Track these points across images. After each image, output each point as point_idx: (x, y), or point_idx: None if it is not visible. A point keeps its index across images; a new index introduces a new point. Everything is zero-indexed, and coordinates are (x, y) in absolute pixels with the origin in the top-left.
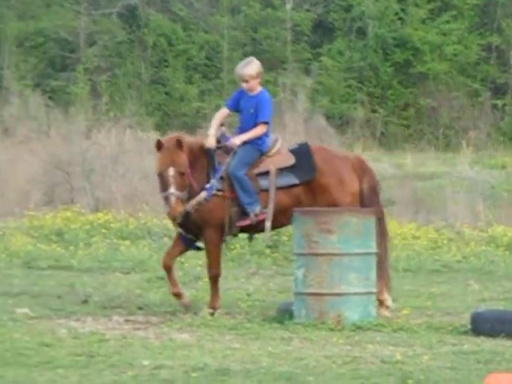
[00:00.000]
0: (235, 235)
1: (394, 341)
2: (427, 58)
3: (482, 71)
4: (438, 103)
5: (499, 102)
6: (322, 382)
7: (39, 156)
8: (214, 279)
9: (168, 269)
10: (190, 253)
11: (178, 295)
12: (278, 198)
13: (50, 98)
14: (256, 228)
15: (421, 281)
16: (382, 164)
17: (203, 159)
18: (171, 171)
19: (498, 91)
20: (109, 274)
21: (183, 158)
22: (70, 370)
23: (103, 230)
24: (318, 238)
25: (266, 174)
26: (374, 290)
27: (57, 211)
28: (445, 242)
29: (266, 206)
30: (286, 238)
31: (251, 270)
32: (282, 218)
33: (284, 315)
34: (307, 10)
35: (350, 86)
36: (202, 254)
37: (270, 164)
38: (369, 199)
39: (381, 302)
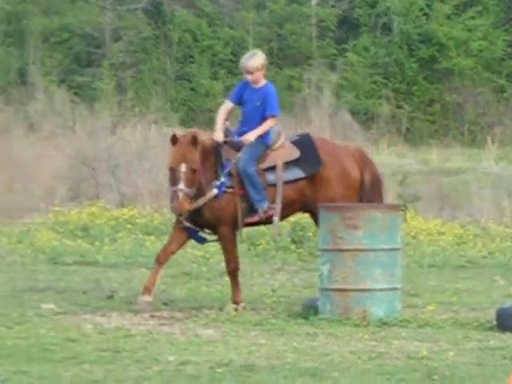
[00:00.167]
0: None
1: (420, 336)
2: (452, 54)
3: (507, 67)
4: (463, 99)
5: None
6: (348, 378)
7: (65, 152)
8: (233, 274)
9: (160, 264)
10: (215, 248)
11: (147, 290)
12: (284, 192)
13: (75, 93)
14: (262, 223)
15: (446, 276)
16: (407, 160)
17: (212, 156)
18: (183, 167)
19: None
20: (134, 269)
21: (196, 155)
22: (96, 365)
23: (128, 226)
24: (344, 233)
25: (273, 168)
26: (399, 286)
27: (82, 207)
28: (470, 237)
29: (272, 201)
30: (311, 234)
31: (276, 265)
32: (286, 212)
33: (309, 311)
34: (332, 6)
35: (375, 82)
36: None
37: (276, 158)
38: (371, 191)
39: None
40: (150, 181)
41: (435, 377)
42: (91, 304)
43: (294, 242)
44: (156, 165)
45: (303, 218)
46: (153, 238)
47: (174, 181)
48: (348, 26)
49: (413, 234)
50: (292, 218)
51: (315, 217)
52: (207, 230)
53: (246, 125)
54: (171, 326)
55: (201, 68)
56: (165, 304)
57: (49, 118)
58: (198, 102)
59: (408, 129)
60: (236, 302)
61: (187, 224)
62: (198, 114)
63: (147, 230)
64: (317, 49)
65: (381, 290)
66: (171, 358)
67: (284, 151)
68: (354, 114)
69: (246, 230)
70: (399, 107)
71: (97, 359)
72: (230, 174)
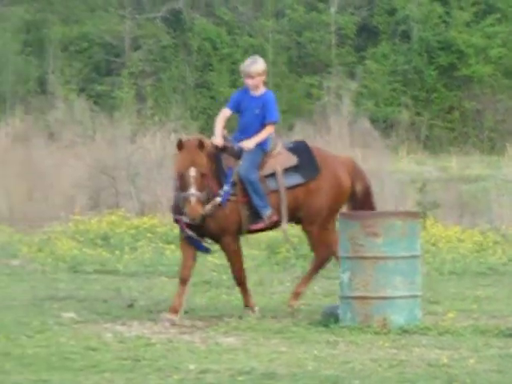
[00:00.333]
0: None
1: (440, 344)
2: (472, 61)
3: None
4: (482, 106)
5: None
6: None
7: (84, 160)
8: (240, 281)
9: (185, 282)
10: None
11: (174, 310)
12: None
13: (94, 102)
14: (267, 229)
15: (466, 284)
16: (426, 167)
17: (213, 163)
18: (193, 171)
19: None
20: (154, 278)
21: (204, 158)
22: (116, 373)
23: (149, 234)
24: (364, 241)
25: (273, 175)
26: (419, 294)
27: (102, 215)
28: (490, 244)
29: (274, 207)
30: None
31: (296, 273)
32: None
33: (329, 319)
34: (351, 14)
35: (394, 90)
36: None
37: (276, 165)
38: (363, 201)
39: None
40: (170, 189)
41: None
42: (112, 313)
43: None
44: None
45: None
46: (173, 246)
47: (184, 186)
48: (367, 33)
49: (432, 241)
50: None
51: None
52: (209, 240)
53: (245, 133)
54: (192, 335)
55: (220, 76)
56: (185, 312)
57: (68, 127)
58: (218, 110)
59: (427, 136)
60: (249, 306)
61: (190, 233)
62: None
63: (167, 239)
64: (336, 56)
65: (401, 297)
66: (192, 367)
67: (282, 158)
68: (373, 121)
69: (266, 239)
70: (418, 114)
71: (117, 368)
72: (232, 182)
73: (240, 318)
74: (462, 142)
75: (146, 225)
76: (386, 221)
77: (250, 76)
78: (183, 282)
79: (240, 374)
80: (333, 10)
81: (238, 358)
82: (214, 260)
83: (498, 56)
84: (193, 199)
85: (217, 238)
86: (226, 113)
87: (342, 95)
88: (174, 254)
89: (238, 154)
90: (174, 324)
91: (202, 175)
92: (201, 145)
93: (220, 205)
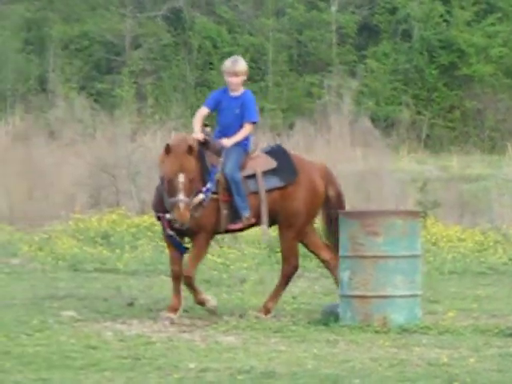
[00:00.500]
0: None
1: (440, 343)
2: (473, 61)
3: None
4: (483, 105)
5: None
6: None
7: (85, 159)
8: (189, 282)
9: (178, 277)
10: (235, 255)
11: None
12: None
13: (95, 100)
14: (241, 230)
15: (467, 283)
16: (427, 166)
17: (198, 161)
18: (181, 177)
19: None
20: (154, 276)
21: (193, 163)
22: (116, 372)
23: (149, 233)
24: (364, 240)
25: (252, 176)
26: (420, 293)
27: (102, 214)
28: (491, 244)
29: (252, 209)
30: None
31: (297, 273)
32: (259, 221)
33: (329, 318)
34: (352, 13)
35: (395, 89)
36: (247, 257)
37: (256, 167)
38: (336, 206)
39: None
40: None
41: (456, 383)
42: (112, 311)
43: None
44: None
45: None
46: None
47: (172, 191)
48: (368, 32)
49: (433, 240)
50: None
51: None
52: (187, 239)
53: (225, 132)
54: (191, 333)
55: (221, 75)
56: (185, 311)
57: (69, 125)
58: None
59: (428, 135)
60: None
61: (171, 232)
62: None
63: None
64: (337, 55)
65: (401, 296)
66: (191, 365)
67: (261, 160)
68: (374, 120)
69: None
70: (419, 114)
71: (117, 366)
72: (215, 181)
73: (240, 316)
74: (462, 142)
75: (147, 223)
76: (386, 220)
77: (235, 74)
78: (176, 278)
79: (240, 372)
80: (334, 8)
81: (238, 356)
82: (214, 259)
83: (499, 55)
84: (181, 205)
85: (193, 235)
86: (203, 111)
87: (343, 94)
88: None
89: (219, 151)
90: (173, 323)
91: (191, 180)
92: (190, 149)
93: (201, 202)
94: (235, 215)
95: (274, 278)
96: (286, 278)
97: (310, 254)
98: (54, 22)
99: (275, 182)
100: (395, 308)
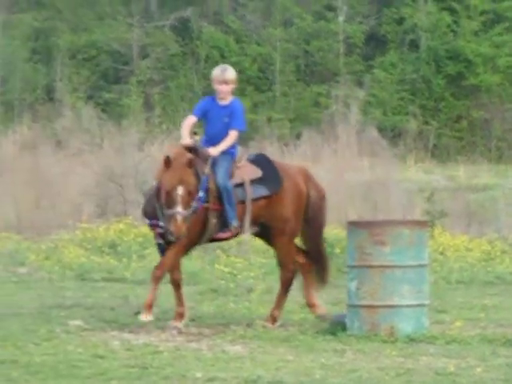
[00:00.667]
0: None
1: (447, 353)
2: (480, 70)
3: None
4: (490, 115)
5: None
6: None
7: (92, 168)
8: (157, 280)
9: (178, 284)
10: (242, 265)
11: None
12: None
13: (102, 110)
14: (228, 239)
15: (474, 293)
16: (434, 176)
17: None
18: (180, 190)
19: None
20: (162, 286)
21: (192, 177)
22: (124, 381)
23: None
24: (371, 249)
25: (240, 185)
26: (427, 302)
27: (110, 223)
28: (498, 253)
29: (239, 218)
30: (339, 250)
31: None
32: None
33: (337, 327)
34: (360, 23)
35: (402, 99)
36: (254, 266)
37: (243, 175)
38: (316, 208)
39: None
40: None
41: None
42: (119, 320)
43: None
44: None
45: (331, 234)
46: None
47: (170, 204)
48: (375, 42)
49: (440, 250)
50: None
51: (268, 236)
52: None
53: (214, 141)
54: (199, 343)
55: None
56: (192, 320)
57: (76, 135)
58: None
59: (435, 145)
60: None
61: (160, 241)
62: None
63: None
64: (344, 65)
65: (408, 306)
66: (199, 375)
67: (248, 169)
68: (381, 130)
69: None
70: (426, 123)
71: (124, 376)
72: (207, 189)
73: (247, 326)
74: (469, 151)
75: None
76: (393, 229)
77: (225, 82)
78: (176, 285)
79: (247, 382)
80: (341, 18)
81: (245, 366)
82: (221, 268)
83: (506, 65)
84: (179, 218)
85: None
86: (191, 120)
87: (350, 104)
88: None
89: (206, 159)
90: (180, 332)
91: (189, 193)
92: (190, 163)
93: (194, 210)
94: (223, 224)
95: None
96: (286, 285)
97: None
98: (61, 31)
99: (262, 191)
100: (402, 317)
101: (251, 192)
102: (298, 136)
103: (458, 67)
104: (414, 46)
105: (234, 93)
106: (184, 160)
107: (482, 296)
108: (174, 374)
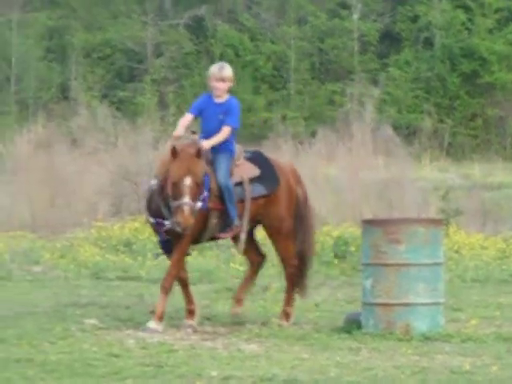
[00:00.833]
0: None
1: (463, 351)
2: (494, 68)
3: None
4: (505, 113)
5: None
6: None
7: (107, 167)
8: (168, 289)
9: (185, 282)
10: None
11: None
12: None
13: (117, 108)
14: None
15: (489, 291)
16: (449, 174)
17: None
18: (188, 180)
19: None
20: (176, 284)
21: (200, 167)
22: (139, 380)
23: None
24: (386, 248)
25: (239, 184)
26: (442, 301)
27: (124, 222)
28: None
29: (239, 217)
30: (354, 249)
31: (319, 280)
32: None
33: (352, 325)
34: (374, 21)
35: (417, 97)
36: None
37: (242, 174)
38: (303, 205)
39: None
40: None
41: None
42: (134, 319)
43: (336, 256)
44: None
45: (346, 232)
46: (195, 253)
47: (177, 195)
48: (390, 40)
49: (455, 248)
50: (335, 233)
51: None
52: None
53: (209, 139)
54: (214, 341)
55: (243, 83)
56: (207, 319)
57: (91, 134)
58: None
59: (450, 143)
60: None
61: (166, 237)
62: (239, 129)
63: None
64: (359, 63)
65: (423, 304)
66: (214, 373)
67: (246, 168)
68: (396, 128)
69: None
70: (441, 122)
71: (140, 374)
72: (209, 189)
73: (263, 324)
74: (484, 149)
75: None
76: (408, 228)
77: (222, 79)
78: (183, 283)
79: (262, 380)
80: (355, 16)
81: (260, 364)
82: (236, 267)
83: None
84: (186, 208)
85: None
86: (188, 117)
87: (365, 102)
88: (195, 260)
89: (208, 159)
90: (195, 330)
91: (197, 184)
92: (198, 153)
93: (199, 210)
94: (225, 224)
95: None
96: (291, 280)
97: (333, 261)
98: (76, 30)
99: (260, 189)
100: (418, 316)
101: (250, 191)
102: (313, 134)
103: (473, 65)
104: (429, 43)
105: (231, 91)
106: (192, 150)
107: (497, 294)
108: (189, 373)
